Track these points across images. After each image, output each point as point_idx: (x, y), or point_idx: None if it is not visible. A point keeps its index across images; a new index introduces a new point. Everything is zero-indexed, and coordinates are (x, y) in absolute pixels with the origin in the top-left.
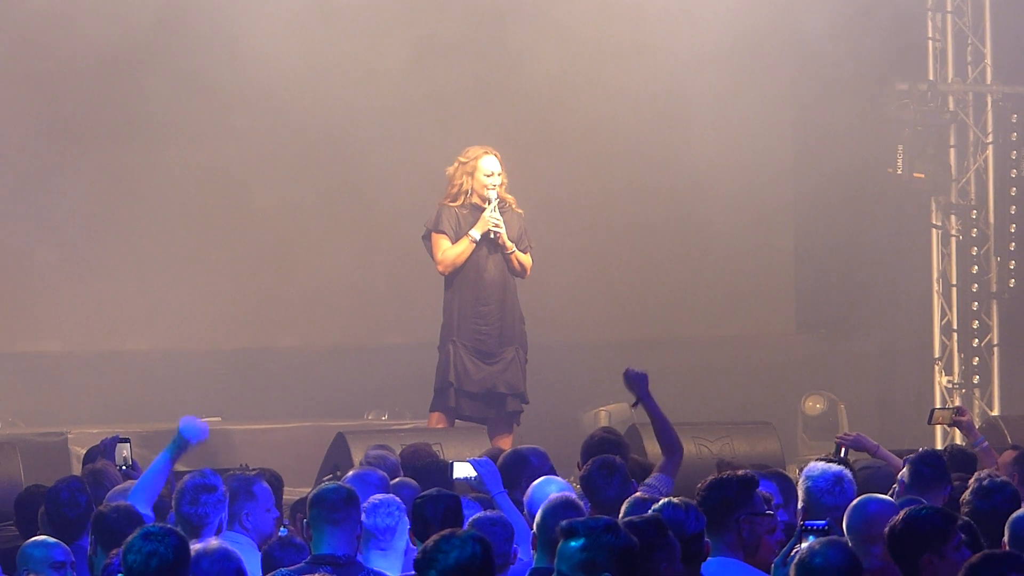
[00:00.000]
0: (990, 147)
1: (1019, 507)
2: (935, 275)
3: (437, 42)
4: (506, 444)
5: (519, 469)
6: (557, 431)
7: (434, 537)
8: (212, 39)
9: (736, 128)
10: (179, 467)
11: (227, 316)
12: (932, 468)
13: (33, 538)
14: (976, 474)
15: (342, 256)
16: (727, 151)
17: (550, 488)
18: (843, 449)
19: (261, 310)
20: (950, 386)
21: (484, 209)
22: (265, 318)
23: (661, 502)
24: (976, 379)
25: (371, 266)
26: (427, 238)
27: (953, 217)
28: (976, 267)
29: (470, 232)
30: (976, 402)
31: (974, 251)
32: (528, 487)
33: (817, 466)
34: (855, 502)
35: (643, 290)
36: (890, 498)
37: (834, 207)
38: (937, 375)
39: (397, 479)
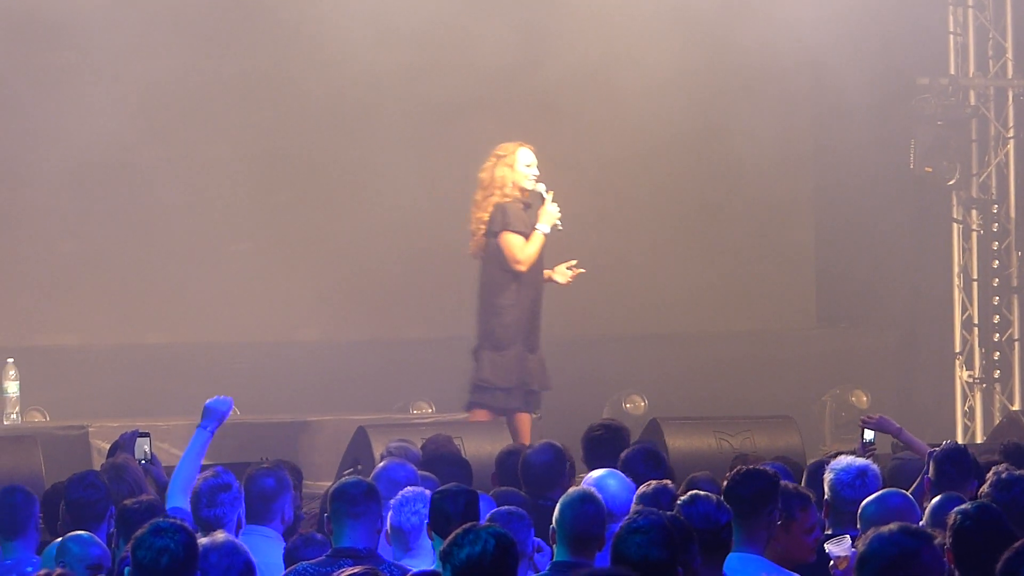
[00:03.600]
0: (1011, 141)
1: None
2: (956, 269)
3: (446, 34)
4: (527, 428)
5: (560, 465)
6: (575, 425)
7: (454, 532)
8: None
9: (757, 122)
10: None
11: (248, 309)
12: (956, 465)
13: (76, 532)
14: (994, 468)
15: (364, 249)
16: (748, 145)
17: (610, 481)
18: (869, 432)
19: (282, 303)
20: (971, 380)
21: (530, 203)
22: (286, 311)
23: (691, 493)
24: (997, 374)
25: (393, 259)
26: (498, 237)
27: (974, 211)
28: (997, 261)
29: (537, 227)
30: (997, 396)
31: (995, 245)
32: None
33: (843, 459)
34: (875, 495)
35: (663, 284)
36: (907, 493)
37: (854, 201)
38: (958, 370)
39: (420, 473)
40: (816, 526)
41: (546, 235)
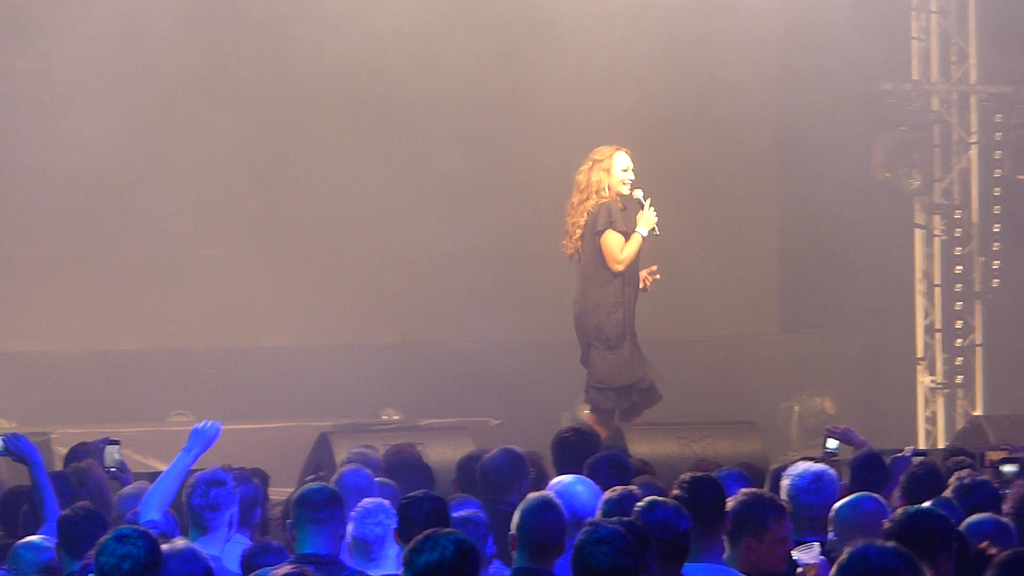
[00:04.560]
0: (974, 147)
1: (999, 505)
2: (918, 275)
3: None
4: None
5: (516, 470)
6: (538, 430)
7: (415, 538)
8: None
9: (720, 128)
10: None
11: (213, 316)
12: (872, 472)
13: (28, 538)
14: (956, 474)
15: (331, 255)
16: (710, 151)
17: (579, 487)
18: (832, 441)
19: (249, 309)
20: (933, 386)
21: (627, 206)
22: (253, 317)
23: (648, 499)
24: (959, 379)
25: (361, 265)
26: (600, 236)
27: (937, 217)
28: (959, 267)
29: (638, 230)
30: (959, 402)
31: (958, 251)
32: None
33: (800, 465)
34: (848, 499)
35: None
36: (879, 497)
37: (818, 206)
38: (920, 375)
39: (377, 479)
40: (790, 536)
41: (644, 238)
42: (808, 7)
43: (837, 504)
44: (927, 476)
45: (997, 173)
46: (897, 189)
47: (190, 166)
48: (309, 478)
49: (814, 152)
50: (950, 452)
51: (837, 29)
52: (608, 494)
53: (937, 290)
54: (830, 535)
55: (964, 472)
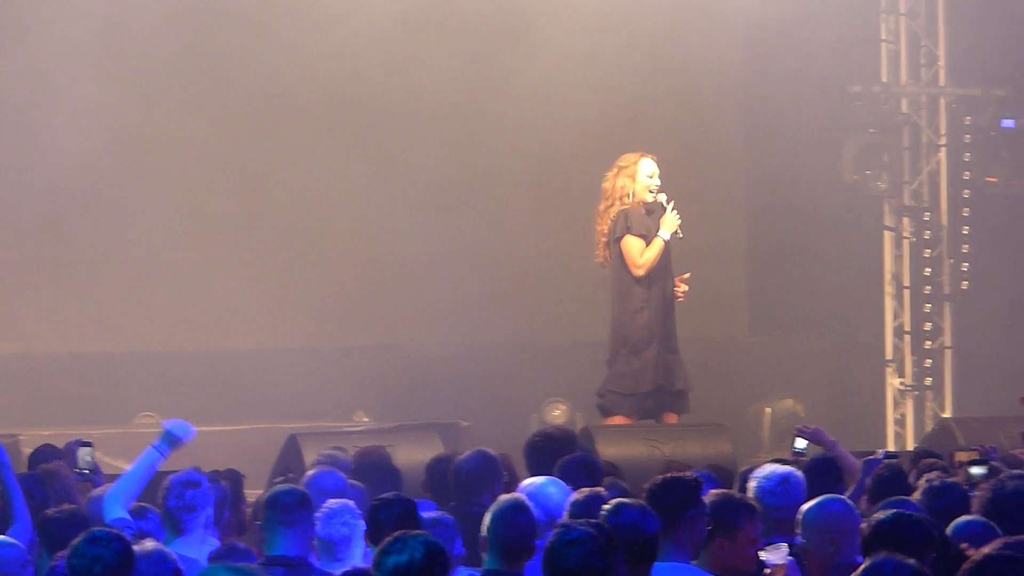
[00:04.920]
0: (943, 149)
1: (968, 507)
2: (887, 277)
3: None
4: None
5: (490, 472)
6: (507, 432)
7: (385, 540)
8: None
9: (688, 128)
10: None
11: (184, 318)
12: (823, 476)
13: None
14: (926, 476)
15: (300, 257)
16: (677, 153)
17: (551, 488)
18: (801, 440)
19: (218, 312)
20: (902, 388)
21: (652, 211)
22: (222, 320)
23: (615, 502)
24: (928, 381)
25: (330, 268)
26: (619, 242)
27: (906, 219)
28: (928, 269)
29: (660, 234)
30: (928, 404)
31: (927, 253)
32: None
33: (767, 467)
34: (815, 501)
35: (595, 293)
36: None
37: (787, 208)
38: (889, 377)
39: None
40: (760, 537)
41: (667, 241)
42: (777, 10)
43: (804, 506)
44: (893, 478)
45: (966, 175)
46: (866, 191)
47: (160, 169)
48: (278, 480)
49: (784, 154)
50: (920, 454)
51: (806, 32)
52: (575, 496)
53: (906, 292)
54: (798, 537)
55: (934, 474)
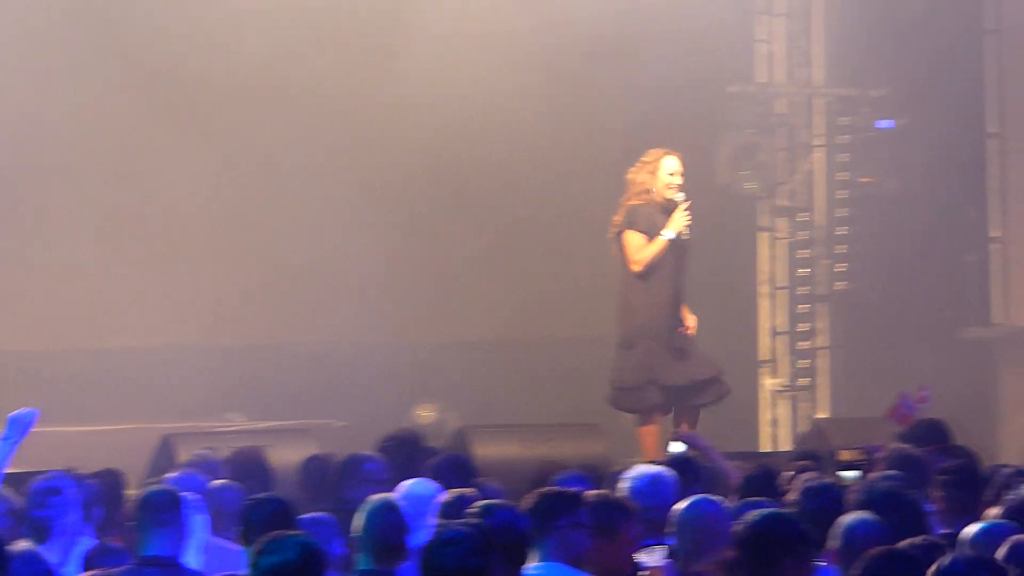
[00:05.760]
0: (819, 150)
1: (842, 509)
2: (763, 277)
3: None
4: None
5: (350, 472)
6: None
7: (261, 541)
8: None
9: (563, 129)
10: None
11: (54, 317)
12: (683, 474)
13: None
14: (802, 476)
15: (173, 256)
16: (556, 151)
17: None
18: (676, 444)
19: (93, 309)
20: (778, 389)
21: (668, 209)
22: (92, 319)
23: (485, 503)
24: (804, 382)
25: (203, 267)
26: (619, 237)
27: (782, 220)
28: (805, 270)
29: (663, 232)
30: (803, 405)
31: (803, 254)
32: (352, 489)
33: (638, 467)
34: (686, 502)
35: (468, 292)
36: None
37: None
38: (765, 378)
39: (219, 482)
40: (639, 538)
41: (670, 240)
42: (651, 9)
43: (676, 507)
44: (761, 477)
45: (842, 176)
46: (741, 192)
47: (32, 166)
48: (151, 480)
49: None
50: (800, 455)
51: (681, 32)
52: (444, 496)
53: (782, 293)
54: (669, 538)
55: (810, 475)
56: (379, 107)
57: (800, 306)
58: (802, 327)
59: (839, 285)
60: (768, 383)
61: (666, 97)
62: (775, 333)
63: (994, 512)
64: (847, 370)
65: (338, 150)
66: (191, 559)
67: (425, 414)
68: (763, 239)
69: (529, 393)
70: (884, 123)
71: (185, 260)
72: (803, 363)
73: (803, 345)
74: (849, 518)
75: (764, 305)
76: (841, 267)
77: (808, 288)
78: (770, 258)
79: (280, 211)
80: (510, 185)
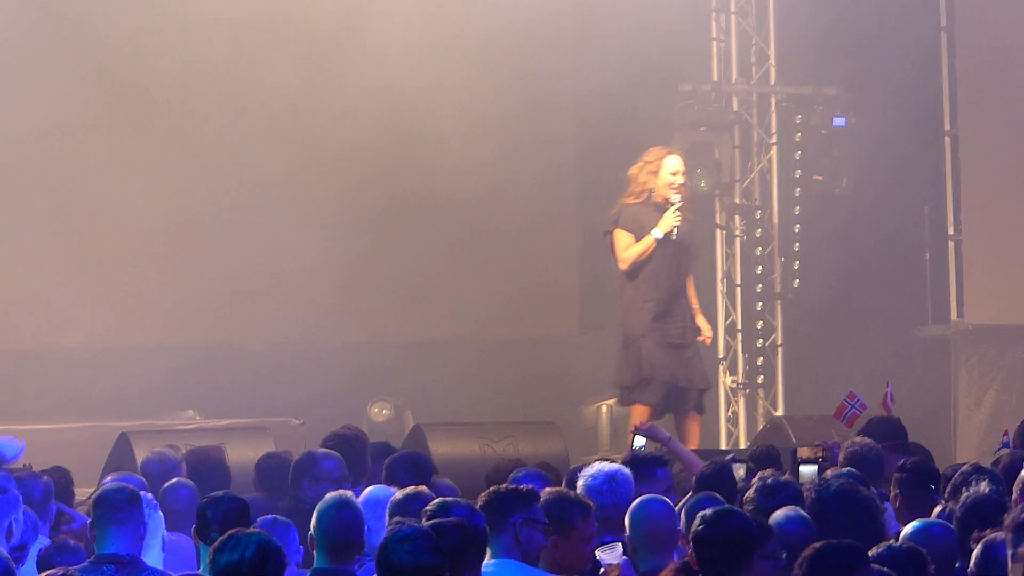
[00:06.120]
0: (774, 148)
1: (802, 506)
2: (719, 275)
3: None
4: (695, 431)
5: (305, 469)
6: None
7: (219, 539)
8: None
9: (519, 126)
10: None
11: (8, 314)
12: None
13: None
14: (760, 474)
15: (127, 254)
16: (509, 150)
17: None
18: (640, 439)
19: (44, 308)
20: (734, 386)
21: (665, 209)
22: (47, 316)
23: (439, 501)
24: (760, 379)
25: (157, 265)
26: (609, 235)
27: (737, 217)
28: (760, 267)
29: (652, 231)
30: (760, 402)
31: (758, 251)
32: (308, 487)
33: (595, 465)
34: (637, 502)
35: (426, 291)
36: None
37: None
38: (722, 375)
39: (174, 479)
40: (595, 535)
41: (658, 240)
42: (607, 7)
43: (633, 505)
44: (716, 475)
45: (797, 174)
46: (697, 189)
47: None
48: (108, 478)
49: (613, 152)
50: (759, 452)
51: (636, 29)
52: (396, 495)
53: (738, 290)
54: (626, 536)
55: (768, 472)
56: (335, 106)
57: (756, 303)
58: (758, 324)
59: (795, 283)
60: (726, 380)
61: (620, 96)
62: (732, 330)
63: (936, 511)
64: (803, 368)
65: (293, 148)
66: (153, 557)
67: (382, 412)
68: (719, 237)
69: (487, 392)
70: (839, 121)
71: (142, 259)
72: (759, 360)
73: (759, 343)
74: (780, 515)
75: (721, 302)
76: (797, 265)
77: (763, 286)
78: (726, 256)
79: (238, 211)
80: (468, 186)
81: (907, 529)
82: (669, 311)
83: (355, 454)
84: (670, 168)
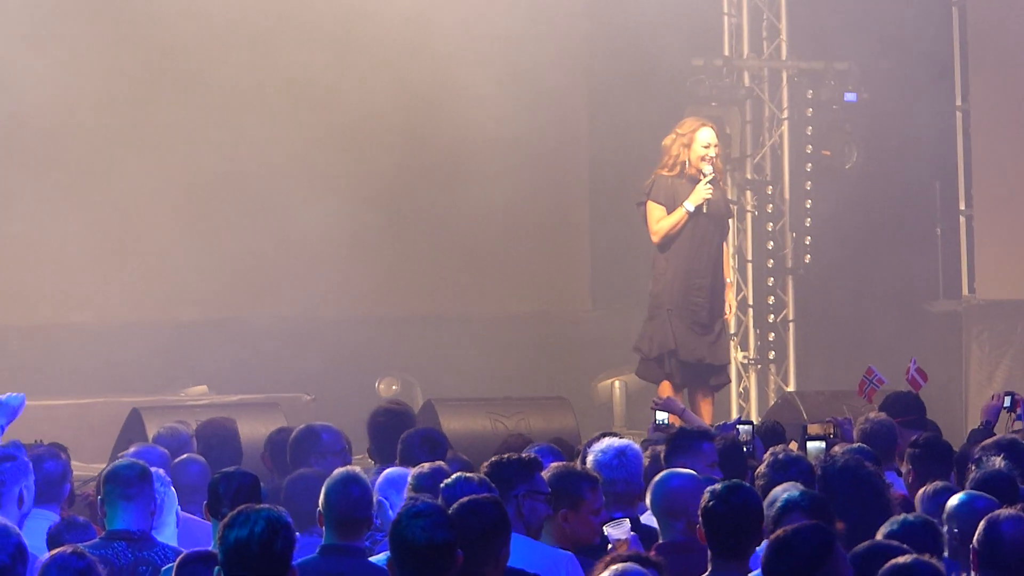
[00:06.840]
0: (785, 123)
1: (813, 481)
2: (730, 251)
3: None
4: (707, 410)
5: (310, 444)
6: (349, 406)
7: (229, 514)
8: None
9: (530, 101)
10: None
11: (19, 291)
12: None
13: None
14: (771, 449)
15: (136, 230)
16: (521, 124)
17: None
18: (661, 413)
19: (55, 285)
20: (746, 361)
21: (698, 181)
22: (59, 293)
23: (454, 476)
24: (772, 355)
25: (165, 241)
26: (642, 206)
27: (748, 193)
28: (772, 243)
29: (684, 204)
30: (772, 378)
31: (770, 227)
32: (315, 462)
33: (604, 440)
34: (658, 477)
35: (439, 265)
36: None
37: (629, 182)
38: (733, 351)
39: (185, 455)
40: (603, 508)
41: (689, 213)
42: None
43: (655, 480)
44: (726, 451)
45: (808, 149)
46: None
47: None
48: (121, 454)
49: (625, 128)
50: (766, 427)
51: (647, 4)
52: (418, 469)
53: (749, 266)
54: (636, 510)
55: (779, 447)
56: (345, 80)
57: (768, 279)
58: (769, 300)
59: (806, 258)
60: (737, 356)
61: (632, 71)
62: (743, 306)
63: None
64: (814, 343)
65: (303, 123)
66: (167, 535)
67: (392, 388)
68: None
69: (497, 368)
70: (850, 96)
71: (153, 235)
72: (771, 336)
73: (771, 318)
74: (779, 491)
75: (732, 278)
76: (808, 240)
77: (775, 261)
78: (738, 231)
79: (249, 187)
80: (476, 161)
81: (953, 501)
82: (704, 287)
83: (405, 429)
84: (703, 141)
